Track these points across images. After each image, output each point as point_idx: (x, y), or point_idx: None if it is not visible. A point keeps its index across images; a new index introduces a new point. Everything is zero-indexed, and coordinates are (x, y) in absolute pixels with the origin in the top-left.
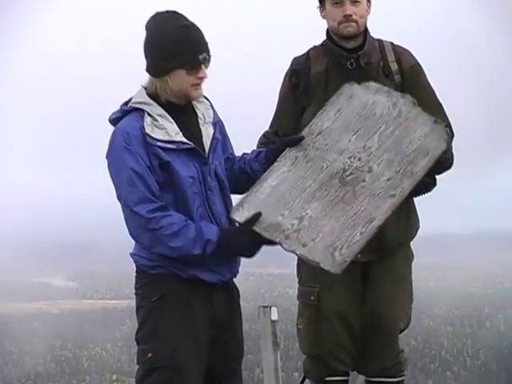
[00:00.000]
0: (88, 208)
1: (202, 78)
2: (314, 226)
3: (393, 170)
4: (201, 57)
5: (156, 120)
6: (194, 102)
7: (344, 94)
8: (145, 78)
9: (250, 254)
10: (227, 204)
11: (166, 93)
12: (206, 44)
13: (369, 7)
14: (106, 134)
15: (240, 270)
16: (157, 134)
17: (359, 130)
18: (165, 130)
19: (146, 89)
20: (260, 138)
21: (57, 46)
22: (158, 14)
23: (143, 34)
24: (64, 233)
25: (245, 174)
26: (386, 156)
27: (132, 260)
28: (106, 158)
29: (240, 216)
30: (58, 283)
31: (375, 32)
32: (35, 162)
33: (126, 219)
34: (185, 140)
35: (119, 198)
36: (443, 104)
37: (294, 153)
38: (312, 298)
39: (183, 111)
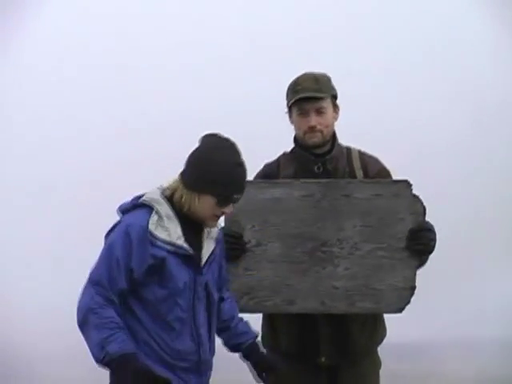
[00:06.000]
0: (63, 313)
1: (224, 214)
2: None
3: None
4: (235, 196)
5: (162, 220)
6: None
7: None
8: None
9: None
10: (211, 317)
11: (187, 206)
12: (244, 186)
13: (337, 112)
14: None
15: None
16: (159, 233)
17: None
18: (167, 231)
19: (163, 188)
20: None
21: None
22: (222, 140)
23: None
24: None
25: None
26: None
27: None
28: (105, 238)
29: None
30: None
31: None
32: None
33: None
34: (185, 246)
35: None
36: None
37: None
38: None
39: (192, 220)
